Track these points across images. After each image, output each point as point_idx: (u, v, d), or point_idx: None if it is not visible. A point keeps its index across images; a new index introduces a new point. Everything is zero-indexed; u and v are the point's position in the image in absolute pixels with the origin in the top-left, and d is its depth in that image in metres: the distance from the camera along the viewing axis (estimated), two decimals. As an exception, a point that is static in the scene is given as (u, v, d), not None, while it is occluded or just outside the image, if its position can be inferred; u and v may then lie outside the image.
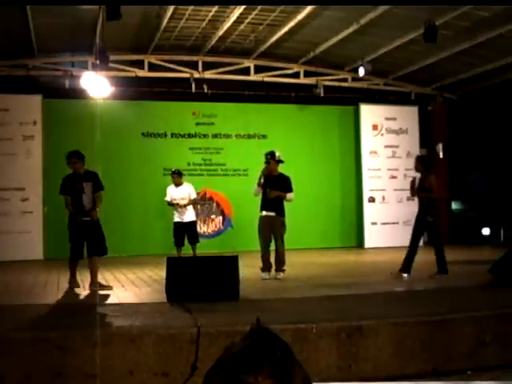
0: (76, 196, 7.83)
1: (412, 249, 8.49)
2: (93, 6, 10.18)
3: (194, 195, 11.19)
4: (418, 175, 8.74)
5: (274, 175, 8.81)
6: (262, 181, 8.75)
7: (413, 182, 8.72)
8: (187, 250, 10.98)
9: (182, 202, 10.88)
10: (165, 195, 11.19)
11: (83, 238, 7.80)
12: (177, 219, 10.98)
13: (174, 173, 11.27)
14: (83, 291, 7.56)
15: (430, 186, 8.52)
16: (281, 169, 9.04)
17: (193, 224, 11.21)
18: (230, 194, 14.34)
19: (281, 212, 8.77)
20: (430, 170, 8.70)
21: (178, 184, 11.05)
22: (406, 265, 8.40)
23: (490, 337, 5.08)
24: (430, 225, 8.54)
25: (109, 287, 7.76)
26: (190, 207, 11.15)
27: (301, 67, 14.77)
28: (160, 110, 14.16)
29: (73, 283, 7.78)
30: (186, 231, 10.94)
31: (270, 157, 8.83)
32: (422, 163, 8.71)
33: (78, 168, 7.88)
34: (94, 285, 7.66)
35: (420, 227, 8.61)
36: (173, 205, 10.97)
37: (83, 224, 7.77)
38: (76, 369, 4.32)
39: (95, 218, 7.90)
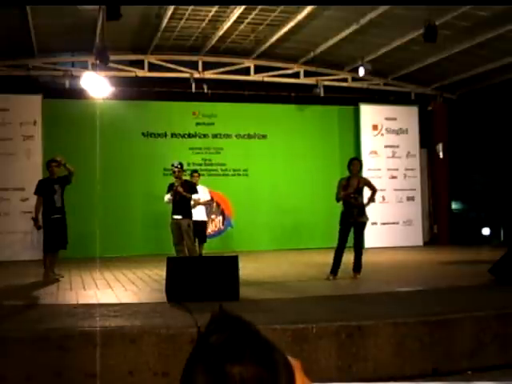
0: (49, 196, 8.77)
1: (339, 251, 8.34)
2: (93, 6, 10.19)
3: (208, 197, 11.47)
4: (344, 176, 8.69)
5: (182, 182, 9.86)
6: (179, 189, 9.59)
7: (342, 184, 8.51)
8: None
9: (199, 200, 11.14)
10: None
11: (56, 232, 8.78)
12: None
13: (195, 171, 11.46)
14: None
15: (367, 186, 8.60)
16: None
17: (203, 224, 11.33)
18: (230, 194, 14.33)
19: (187, 214, 9.62)
20: None
21: (196, 184, 11.21)
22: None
23: (489, 337, 5.07)
24: (362, 225, 8.43)
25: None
26: (203, 207, 11.26)
27: (301, 67, 14.77)
28: (160, 110, 14.15)
29: (53, 276, 8.58)
30: (196, 230, 11.02)
31: (181, 167, 9.82)
32: (361, 164, 8.78)
33: (55, 172, 8.93)
34: (53, 274, 8.68)
35: (349, 228, 8.33)
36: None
37: (56, 220, 8.77)
38: (76, 369, 4.32)
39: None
